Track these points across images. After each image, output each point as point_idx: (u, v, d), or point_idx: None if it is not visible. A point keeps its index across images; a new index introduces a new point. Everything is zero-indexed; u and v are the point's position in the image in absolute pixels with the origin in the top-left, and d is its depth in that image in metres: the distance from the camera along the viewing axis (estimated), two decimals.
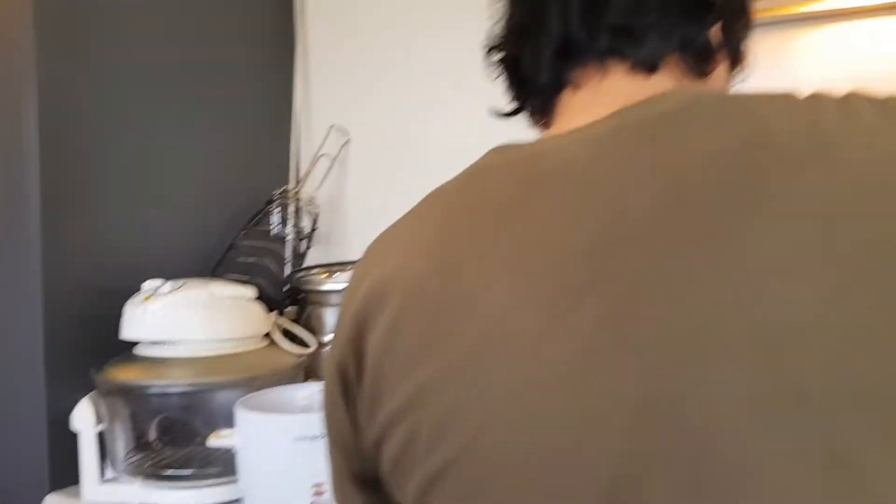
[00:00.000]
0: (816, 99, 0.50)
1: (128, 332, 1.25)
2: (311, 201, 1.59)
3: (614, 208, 0.48)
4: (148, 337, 1.24)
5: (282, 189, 1.57)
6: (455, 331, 0.50)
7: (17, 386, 1.29)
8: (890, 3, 1.11)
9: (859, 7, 1.14)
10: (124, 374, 1.23)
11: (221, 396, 1.22)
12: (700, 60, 0.60)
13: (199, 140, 1.49)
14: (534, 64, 0.63)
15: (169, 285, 1.25)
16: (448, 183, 0.60)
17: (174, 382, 1.22)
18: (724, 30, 0.64)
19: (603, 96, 0.59)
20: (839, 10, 1.15)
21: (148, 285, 1.27)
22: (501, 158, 0.58)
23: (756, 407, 0.40)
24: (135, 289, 1.28)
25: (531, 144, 0.58)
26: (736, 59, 0.68)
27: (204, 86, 1.50)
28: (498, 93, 0.70)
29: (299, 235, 1.56)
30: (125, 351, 1.26)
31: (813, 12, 1.16)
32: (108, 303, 1.27)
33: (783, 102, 0.50)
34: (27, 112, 1.24)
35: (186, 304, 1.23)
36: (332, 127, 1.60)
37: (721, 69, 0.63)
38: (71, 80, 1.29)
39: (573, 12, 0.59)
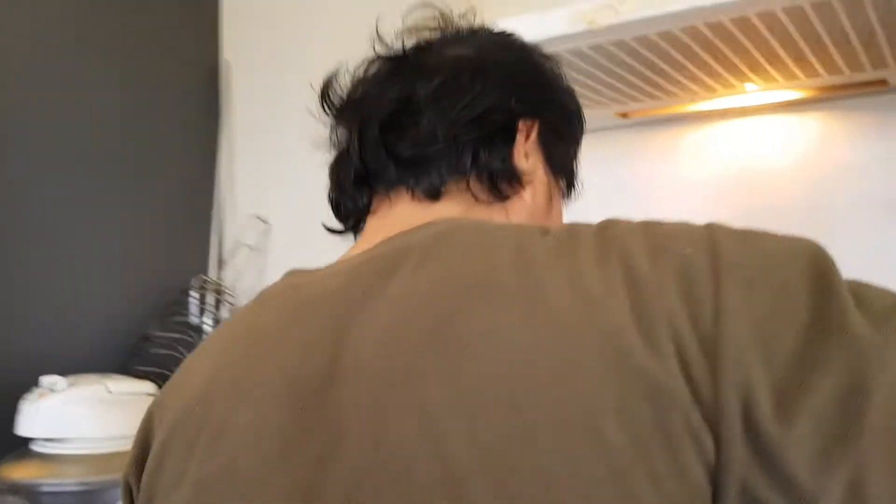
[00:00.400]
0: (543, 235, 0.50)
1: (22, 428, 1.24)
2: (231, 290, 1.59)
3: (344, 343, 0.50)
4: (42, 434, 1.24)
5: (200, 278, 1.58)
6: (206, 455, 0.52)
7: None
8: (768, 104, 1.15)
9: (741, 107, 1.17)
10: (17, 472, 1.22)
11: (115, 494, 1.21)
12: (493, 186, 0.61)
13: (112, 226, 1.50)
14: (343, 189, 0.65)
15: (64, 381, 1.24)
16: (242, 307, 0.61)
17: (66, 480, 1.21)
18: (546, 153, 0.66)
19: (391, 222, 0.61)
20: (723, 109, 1.18)
21: (45, 381, 1.26)
22: (283, 284, 0.59)
23: None
24: (34, 383, 1.27)
25: (313, 270, 0.59)
26: (566, 179, 0.69)
27: (120, 168, 1.52)
28: None
29: (218, 325, 1.56)
30: (23, 447, 1.25)
31: (698, 112, 1.19)
32: (7, 398, 1.27)
33: (514, 238, 0.50)
34: None
35: (81, 401, 1.23)
36: (253, 216, 1.62)
37: (532, 191, 0.64)
38: None
39: (369, 143, 0.62)
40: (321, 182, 0.68)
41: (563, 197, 0.70)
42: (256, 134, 1.67)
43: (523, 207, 0.63)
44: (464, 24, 0.68)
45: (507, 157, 0.62)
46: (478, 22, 0.70)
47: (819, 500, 0.39)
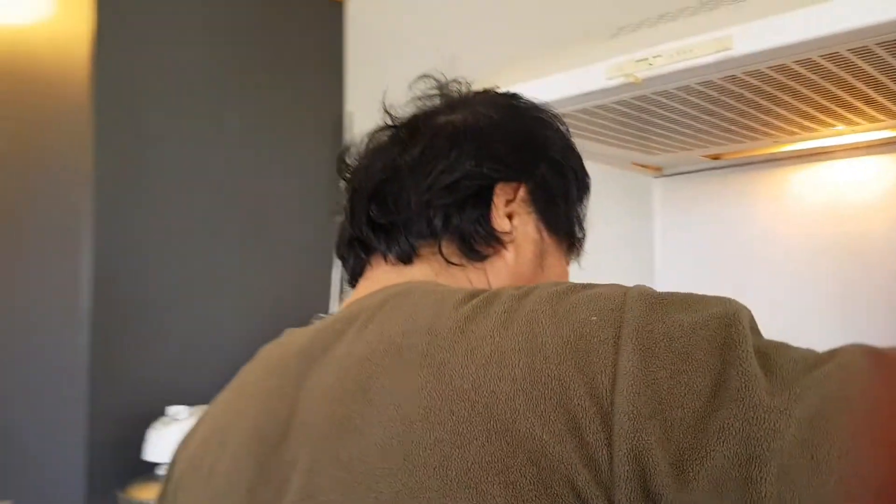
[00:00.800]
0: (464, 302, 0.52)
1: (149, 454, 1.37)
2: None
3: (299, 398, 0.54)
4: (166, 459, 1.36)
5: (319, 315, 1.68)
6: (198, 496, 0.60)
7: (58, 499, 1.44)
8: (857, 143, 1.07)
9: (827, 147, 1.10)
10: (144, 494, 1.35)
11: None
12: (468, 248, 0.63)
13: (239, 264, 1.63)
14: (339, 251, 0.71)
15: (187, 411, 1.37)
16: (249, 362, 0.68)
17: None
18: (539, 213, 0.67)
19: (368, 284, 0.65)
20: (808, 150, 1.12)
21: (170, 410, 1.39)
22: (276, 342, 0.65)
23: None
24: (161, 413, 1.41)
25: (304, 328, 0.64)
26: (567, 238, 0.71)
27: (249, 209, 1.65)
28: None
29: None
30: (150, 471, 1.39)
31: (789, 152, 1.13)
32: (137, 426, 1.41)
33: (436, 304, 0.53)
34: (83, 245, 1.43)
35: None
36: None
37: (515, 251, 0.65)
38: (125, 214, 1.48)
39: (357, 211, 0.67)
40: None
41: (568, 254, 0.71)
42: None
43: (504, 267, 0.65)
44: (462, 90, 0.71)
45: (483, 219, 0.64)
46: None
47: None
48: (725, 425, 0.40)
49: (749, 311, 0.47)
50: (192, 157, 1.59)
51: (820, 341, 0.48)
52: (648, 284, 0.50)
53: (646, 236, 1.34)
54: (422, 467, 0.45)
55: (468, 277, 0.64)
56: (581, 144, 1.08)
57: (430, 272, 0.63)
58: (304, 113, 1.74)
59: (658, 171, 1.31)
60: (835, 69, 0.76)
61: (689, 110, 0.90)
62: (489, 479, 0.43)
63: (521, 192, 0.66)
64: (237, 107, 1.66)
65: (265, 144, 1.68)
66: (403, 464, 0.45)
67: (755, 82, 0.80)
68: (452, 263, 0.64)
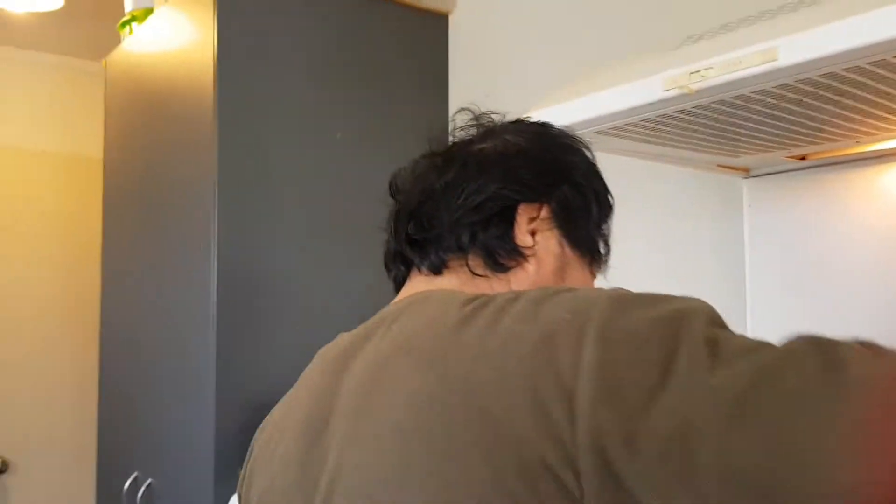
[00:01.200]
0: (464, 305, 0.60)
1: None
2: None
3: (338, 390, 0.66)
4: None
5: None
6: (262, 476, 0.74)
7: (191, 484, 1.60)
8: None
9: None
10: None
11: None
12: (493, 261, 0.72)
13: (354, 272, 1.75)
14: (385, 264, 0.81)
15: None
16: None
17: None
18: (563, 231, 0.75)
19: (405, 293, 0.75)
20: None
21: None
22: (331, 343, 0.76)
23: None
24: None
25: (349, 332, 0.74)
26: (589, 253, 0.78)
27: (354, 227, 1.75)
28: None
29: None
30: None
31: (871, 152, 1.12)
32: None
33: (440, 310, 0.62)
34: (211, 253, 1.59)
35: None
36: None
37: (536, 264, 0.73)
38: (245, 222, 1.63)
39: (398, 229, 0.77)
40: None
41: (592, 266, 0.79)
42: None
43: (526, 277, 0.73)
44: (496, 120, 0.80)
45: (506, 235, 0.72)
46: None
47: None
48: (671, 403, 0.47)
49: (711, 308, 0.54)
50: (305, 168, 1.73)
51: None
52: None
53: (736, 238, 1.35)
54: (417, 445, 0.55)
55: (492, 287, 0.72)
56: (661, 151, 1.13)
57: (457, 282, 0.72)
58: (408, 124, 1.84)
59: (746, 171, 1.32)
60: (886, 73, 0.78)
61: (750, 115, 0.93)
62: (471, 456, 0.52)
63: (544, 212, 0.74)
64: (345, 120, 1.78)
65: (371, 155, 1.79)
66: (405, 444, 0.55)
67: (810, 89, 0.83)
68: (478, 275, 0.72)
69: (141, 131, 2.05)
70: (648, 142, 1.07)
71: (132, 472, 1.89)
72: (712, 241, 1.37)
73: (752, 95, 0.85)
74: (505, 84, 1.82)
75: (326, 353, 0.74)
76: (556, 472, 0.49)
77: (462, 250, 0.72)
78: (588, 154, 0.80)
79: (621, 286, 0.59)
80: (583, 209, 0.77)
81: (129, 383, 2.02)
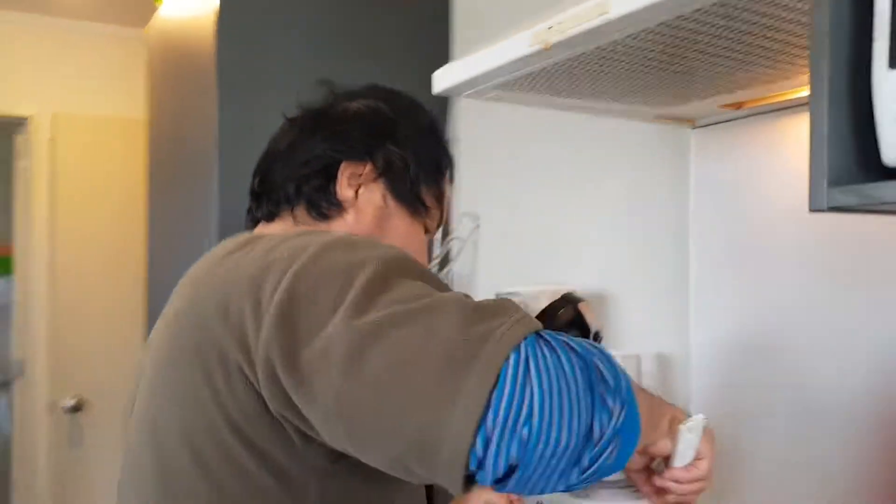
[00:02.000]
0: (239, 246, 0.73)
1: None
2: (444, 276, 1.85)
3: (165, 315, 0.78)
4: None
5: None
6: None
7: None
8: None
9: None
10: None
11: None
12: (316, 211, 0.83)
13: None
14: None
15: None
16: None
17: None
18: (388, 186, 0.86)
19: (242, 237, 0.86)
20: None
21: None
22: None
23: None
24: None
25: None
26: (410, 207, 0.87)
27: None
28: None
29: None
30: None
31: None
32: None
33: (231, 247, 0.75)
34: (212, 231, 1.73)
35: None
36: (463, 214, 1.86)
37: (355, 214, 0.84)
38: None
39: (253, 182, 0.89)
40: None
41: (415, 218, 0.88)
42: (479, 152, 1.90)
43: (344, 226, 0.84)
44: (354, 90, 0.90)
45: (327, 188, 0.83)
46: None
47: (312, 421, 0.59)
48: (324, 336, 0.58)
49: (406, 257, 0.65)
50: None
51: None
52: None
53: (684, 186, 1.38)
54: (164, 350, 0.71)
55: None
56: (576, 103, 1.17)
57: (282, 228, 0.84)
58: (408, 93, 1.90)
59: (692, 123, 1.34)
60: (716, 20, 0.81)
61: (620, 66, 0.97)
62: (190, 358, 0.66)
63: (368, 168, 0.84)
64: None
65: None
66: (159, 350, 0.72)
67: (666, 37, 0.86)
68: (299, 223, 0.84)
69: (178, 94, 2.20)
70: (557, 94, 1.11)
71: None
72: (663, 190, 1.40)
73: (607, 47, 0.89)
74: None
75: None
76: (245, 374, 0.63)
77: (289, 202, 0.84)
78: (424, 118, 0.90)
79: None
80: (404, 167, 0.86)
81: None
